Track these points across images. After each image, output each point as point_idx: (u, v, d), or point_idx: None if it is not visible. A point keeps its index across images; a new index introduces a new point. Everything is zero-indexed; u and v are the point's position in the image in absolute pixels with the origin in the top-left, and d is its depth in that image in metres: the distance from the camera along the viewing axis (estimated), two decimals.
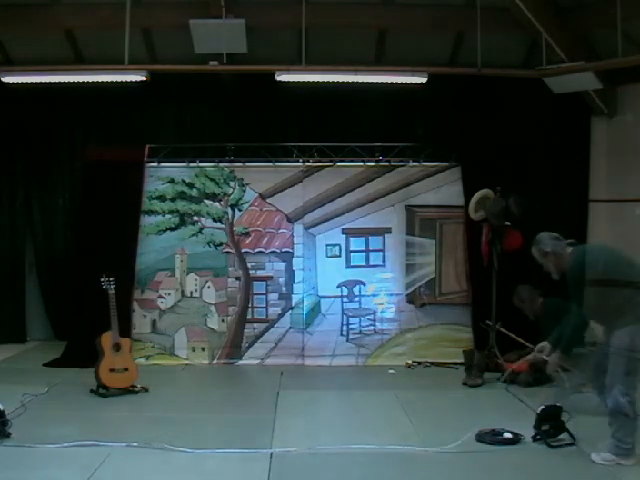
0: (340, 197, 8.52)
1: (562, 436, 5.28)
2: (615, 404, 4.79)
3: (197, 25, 7.78)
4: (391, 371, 8.00)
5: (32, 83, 8.29)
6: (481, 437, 5.40)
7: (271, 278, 8.50)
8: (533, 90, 8.55)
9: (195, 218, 8.46)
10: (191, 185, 8.48)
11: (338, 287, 8.52)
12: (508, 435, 5.35)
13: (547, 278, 5.34)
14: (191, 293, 8.41)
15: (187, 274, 8.41)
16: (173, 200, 8.44)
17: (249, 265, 8.47)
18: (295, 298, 8.46)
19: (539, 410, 5.40)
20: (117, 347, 6.84)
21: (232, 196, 8.49)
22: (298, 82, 8.30)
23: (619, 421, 4.81)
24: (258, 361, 8.33)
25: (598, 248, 5.20)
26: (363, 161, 8.51)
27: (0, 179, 9.28)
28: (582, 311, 5.00)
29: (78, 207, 8.97)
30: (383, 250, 8.57)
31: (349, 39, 8.72)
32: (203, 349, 8.34)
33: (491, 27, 8.04)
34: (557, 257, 5.06)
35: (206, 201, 8.48)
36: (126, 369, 6.85)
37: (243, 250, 8.47)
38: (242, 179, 8.50)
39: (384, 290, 8.54)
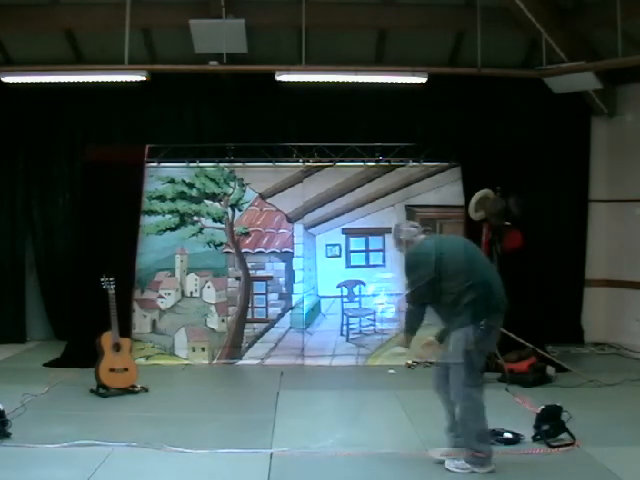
0: (340, 197, 8.51)
1: (562, 436, 5.27)
2: (460, 416, 4.75)
3: (197, 25, 7.79)
4: (391, 371, 7.99)
5: (32, 83, 8.30)
6: None
7: (271, 278, 8.50)
8: (533, 90, 8.56)
9: (195, 218, 8.45)
10: (191, 185, 8.48)
11: (338, 287, 8.52)
12: (508, 435, 5.34)
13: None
14: (191, 293, 8.41)
15: (187, 274, 8.41)
16: (173, 200, 8.44)
17: (249, 265, 8.46)
18: (295, 298, 8.46)
19: (539, 410, 5.40)
20: (117, 347, 6.84)
21: (232, 196, 8.49)
22: (298, 82, 8.30)
23: (468, 430, 4.72)
24: (258, 361, 8.33)
25: (442, 240, 5.25)
26: (363, 161, 8.51)
27: (0, 179, 9.30)
28: (408, 299, 5.02)
29: (78, 207, 8.96)
30: (383, 250, 8.57)
31: (349, 39, 8.73)
32: (203, 349, 8.34)
33: (491, 27, 8.04)
34: (408, 245, 5.14)
35: (206, 201, 8.47)
36: (126, 369, 6.84)
37: (243, 250, 8.46)
38: (242, 179, 8.50)
39: (384, 290, 8.54)
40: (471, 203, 7.97)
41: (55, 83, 8.34)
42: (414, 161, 8.52)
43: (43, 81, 8.28)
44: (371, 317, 8.50)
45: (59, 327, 9.21)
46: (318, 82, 8.37)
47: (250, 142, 8.53)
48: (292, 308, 8.45)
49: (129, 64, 7.88)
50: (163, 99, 9.19)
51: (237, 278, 8.46)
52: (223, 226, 8.48)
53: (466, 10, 8.16)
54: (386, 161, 8.53)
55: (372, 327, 8.48)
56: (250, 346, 8.39)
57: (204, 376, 8.02)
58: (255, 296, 8.47)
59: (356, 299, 8.54)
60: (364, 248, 8.59)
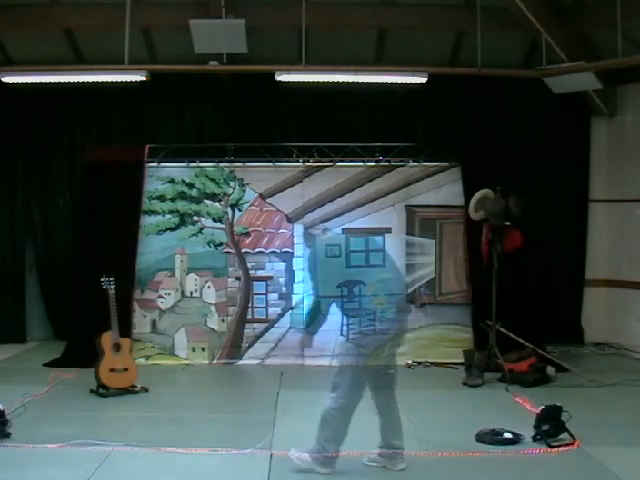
0: (340, 197, 8.50)
1: (562, 436, 5.27)
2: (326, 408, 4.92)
3: (197, 25, 7.78)
4: (391, 371, 7.96)
5: (32, 83, 8.30)
6: (481, 437, 5.39)
7: (271, 278, 8.49)
8: (533, 90, 8.55)
9: (195, 218, 8.45)
10: (191, 185, 8.47)
11: (338, 287, 8.49)
12: (508, 435, 5.34)
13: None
14: (191, 293, 8.41)
15: (187, 274, 8.41)
16: (173, 200, 8.44)
17: (249, 265, 8.46)
18: (295, 298, 8.45)
19: (539, 410, 5.40)
20: (117, 347, 6.83)
21: (232, 196, 8.49)
22: (298, 82, 8.30)
23: (324, 424, 4.87)
24: (258, 361, 8.32)
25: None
26: (363, 161, 8.50)
27: (0, 179, 9.30)
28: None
29: (78, 207, 8.96)
30: (383, 250, 8.54)
31: (349, 39, 8.72)
32: (203, 349, 8.34)
33: (491, 27, 8.04)
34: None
35: (206, 201, 8.47)
36: (126, 369, 6.84)
37: (243, 250, 8.46)
38: (242, 179, 8.50)
39: (384, 290, 8.51)
40: (471, 203, 7.96)
41: (55, 83, 8.34)
42: (414, 161, 8.51)
43: (43, 81, 8.28)
44: (371, 317, 8.47)
45: (59, 327, 9.21)
46: (318, 82, 8.37)
47: (250, 142, 8.54)
48: (292, 308, 8.45)
49: (129, 64, 7.87)
50: (163, 99, 9.20)
51: (237, 278, 8.45)
52: (223, 226, 8.47)
53: (466, 10, 8.16)
54: (386, 161, 8.53)
55: (372, 327, 8.45)
56: (250, 346, 8.39)
57: (204, 376, 8.02)
58: (255, 296, 8.46)
59: (356, 299, 8.51)
60: (364, 248, 8.56)
